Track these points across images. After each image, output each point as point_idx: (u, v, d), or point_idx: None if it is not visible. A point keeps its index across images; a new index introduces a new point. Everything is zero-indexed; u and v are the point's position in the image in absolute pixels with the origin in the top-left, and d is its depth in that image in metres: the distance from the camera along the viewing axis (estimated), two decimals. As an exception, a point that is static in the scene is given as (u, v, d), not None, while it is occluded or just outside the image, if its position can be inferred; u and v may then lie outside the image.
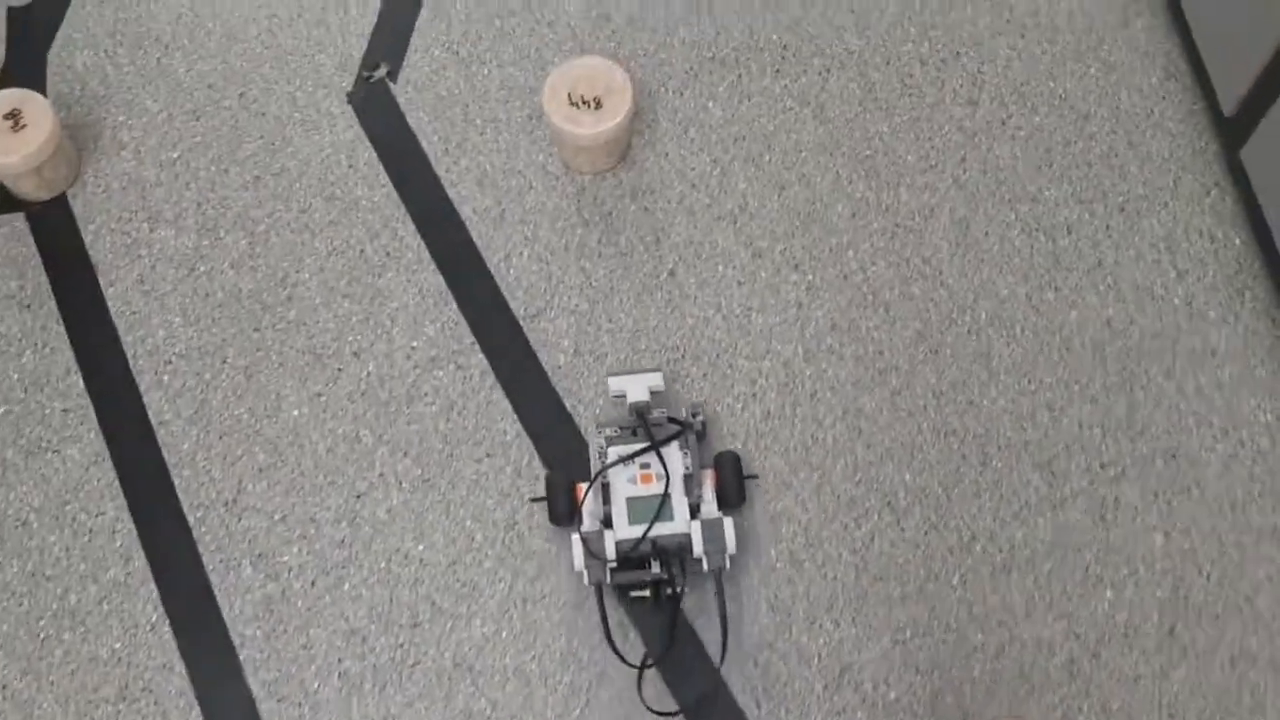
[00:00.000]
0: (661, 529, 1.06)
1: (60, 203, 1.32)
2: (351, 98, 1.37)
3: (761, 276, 1.26)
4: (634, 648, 1.09)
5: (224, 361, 1.24)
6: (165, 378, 1.23)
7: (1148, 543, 1.12)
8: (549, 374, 1.22)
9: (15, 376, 1.23)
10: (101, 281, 1.28)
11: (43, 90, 1.38)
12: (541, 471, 1.17)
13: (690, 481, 1.08)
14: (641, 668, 1.06)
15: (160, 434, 1.20)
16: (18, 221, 1.31)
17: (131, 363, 1.24)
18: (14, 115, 1.26)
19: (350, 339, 1.24)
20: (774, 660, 1.08)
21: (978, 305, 1.23)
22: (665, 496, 1.07)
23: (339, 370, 1.23)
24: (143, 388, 1.23)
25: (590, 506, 1.08)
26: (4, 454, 1.19)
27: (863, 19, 1.39)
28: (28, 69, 1.40)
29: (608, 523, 1.08)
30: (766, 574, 1.12)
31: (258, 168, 1.34)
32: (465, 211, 1.31)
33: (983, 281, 1.24)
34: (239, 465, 1.19)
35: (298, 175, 1.33)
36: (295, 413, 1.21)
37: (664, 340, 1.23)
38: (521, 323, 1.25)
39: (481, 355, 1.23)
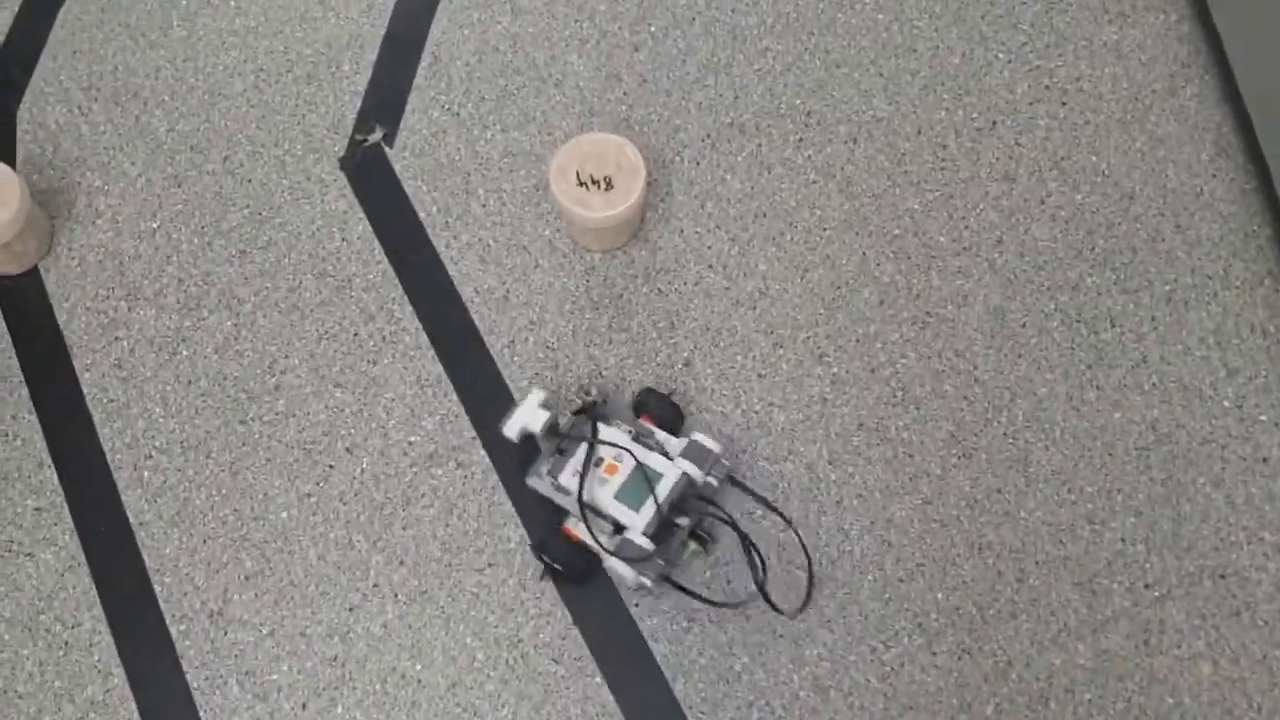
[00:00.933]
0: (663, 489, 1.04)
1: (32, 275, 1.24)
2: (344, 163, 1.28)
3: (783, 369, 1.17)
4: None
5: (208, 457, 1.15)
6: (145, 474, 1.15)
7: (1194, 671, 1.05)
8: (556, 474, 1.14)
9: (-17, 471, 1.15)
10: (77, 365, 1.19)
11: (12, 150, 1.29)
12: (546, 584, 1.09)
13: (639, 437, 1.08)
14: (767, 599, 1.05)
15: (140, 536, 1.12)
16: (-14, 297, 1.23)
17: (109, 457, 1.15)
18: (-19, 188, 1.17)
19: (343, 433, 1.16)
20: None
21: (1014, 405, 1.15)
22: (639, 465, 1.05)
23: (330, 468, 1.15)
24: (121, 485, 1.14)
25: (594, 532, 1.04)
26: (-29, 558, 1.11)
27: (892, 83, 1.30)
28: (-3, 125, 1.31)
29: (619, 529, 1.04)
30: (790, 704, 1.04)
31: (243, 240, 1.25)
32: (466, 292, 1.22)
33: (1019, 378, 1.16)
34: (224, 572, 1.11)
35: (286, 249, 1.24)
36: (284, 514, 1.13)
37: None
38: (526, 416, 1.16)
39: (483, 451, 1.15)
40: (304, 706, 1.06)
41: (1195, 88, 1.29)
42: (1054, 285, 1.20)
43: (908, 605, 1.08)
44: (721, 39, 1.33)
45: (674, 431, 1.11)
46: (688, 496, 1.07)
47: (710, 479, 1.07)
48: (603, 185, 1.17)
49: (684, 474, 1.06)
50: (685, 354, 1.19)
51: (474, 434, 1.16)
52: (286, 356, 1.19)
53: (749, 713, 1.04)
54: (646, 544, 1.03)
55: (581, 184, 1.17)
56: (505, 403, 1.17)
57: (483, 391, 1.17)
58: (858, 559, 1.10)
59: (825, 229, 1.24)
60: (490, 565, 1.10)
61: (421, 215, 1.26)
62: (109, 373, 1.19)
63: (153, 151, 1.29)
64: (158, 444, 1.16)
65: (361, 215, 1.26)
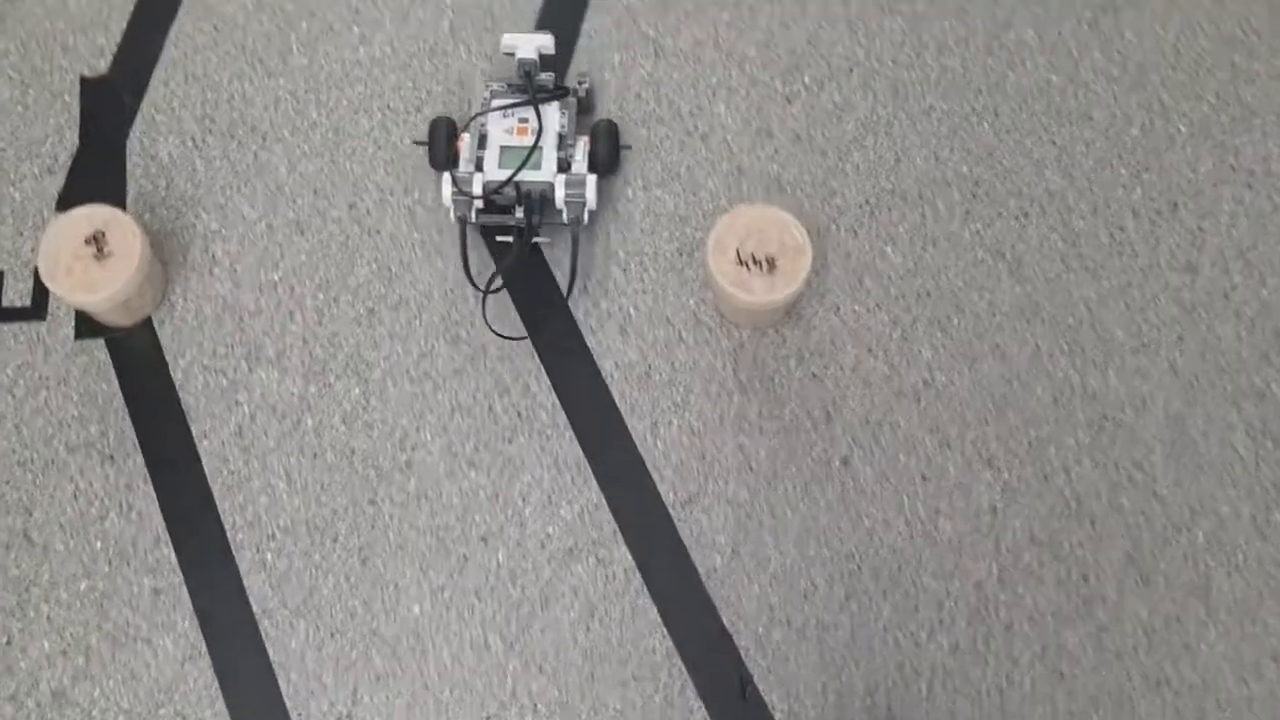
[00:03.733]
0: (528, 175, 1.13)
1: (145, 328, 1.16)
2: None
3: (950, 472, 1.10)
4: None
5: (335, 540, 1.09)
6: (268, 556, 1.08)
7: (1383, 829, 0.99)
8: (703, 577, 1.07)
9: (99, 544, 1.08)
10: (194, 431, 1.12)
11: (122, 185, 1.20)
12: (696, 702, 1.03)
13: (564, 140, 1.15)
14: (487, 291, 1.14)
15: (264, 626, 1.06)
16: (98, 350, 1.15)
17: (230, 536, 1.09)
18: (97, 240, 1.08)
19: (477, 519, 1.09)
20: None
21: (1195, 525, 1.08)
22: (536, 148, 1.13)
23: (465, 558, 1.08)
24: (243, 568, 1.08)
25: (466, 152, 1.15)
26: (88, 640, 1.06)
27: (1066, 153, 1.21)
28: (104, 156, 1.22)
29: (479, 167, 1.14)
30: None
31: (372, 298, 1.17)
32: (606, 366, 1.14)
33: (1201, 495, 1.09)
34: (354, 671, 1.05)
35: (418, 310, 1.16)
36: (416, 609, 1.07)
37: (837, 546, 1.08)
38: (671, 511, 1.10)
39: (625, 549, 1.09)
40: (438, 820, 1.00)
41: (1397, 177, 1.20)
42: (1238, 392, 1.13)
43: (1079, 742, 1.02)
44: (882, 94, 1.24)
45: (598, 168, 1.16)
46: (539, 206, 1.14)
47: (565, 209, 1.14)
48: (764, 266, 1.09)
49: (550, 185, 1.13)
50: (843, 449, 1.11)
51: (615, 527, 1.09)
52: (418, 430, 1.12)
53: None
54: (477, 189, 1.12)
55: (742, 263, 1.09)
56: (648, 493, 1.10)
57: (624, 480, 1.10)
58: (1027, 691, 1.03)
59: (995, 315, 1.16)
60: (635, 679, 1.04)
61: (558, 277, 1.18)
62: (229, 441, 1.12)
63: (273, 194, 1.21)
64: (281, 523, 1.09)
65: (497, 276, 1.18)
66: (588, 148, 1.16)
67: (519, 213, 1.14)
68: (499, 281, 1.16)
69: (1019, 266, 1.17)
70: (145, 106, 1.24)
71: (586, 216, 1.15)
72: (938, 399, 1.13)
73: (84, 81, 1.25)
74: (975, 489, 1.09)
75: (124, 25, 1.27)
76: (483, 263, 1.18)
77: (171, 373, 1.14)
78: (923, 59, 1.25)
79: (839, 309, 1.16)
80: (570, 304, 1.17)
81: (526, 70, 1.17)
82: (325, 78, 1.25)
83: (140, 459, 1.11)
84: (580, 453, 1.12)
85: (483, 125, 1.16)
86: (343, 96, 1.24)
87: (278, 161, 1.22)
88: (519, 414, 1.13)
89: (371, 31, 1.27)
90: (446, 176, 1.13)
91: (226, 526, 1.09)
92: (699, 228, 1.19)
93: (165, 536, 1.09)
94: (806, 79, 1.25)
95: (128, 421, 1.12)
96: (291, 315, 1.16)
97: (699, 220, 1.19)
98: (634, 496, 1.10)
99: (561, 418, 1.13)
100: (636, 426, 1.12)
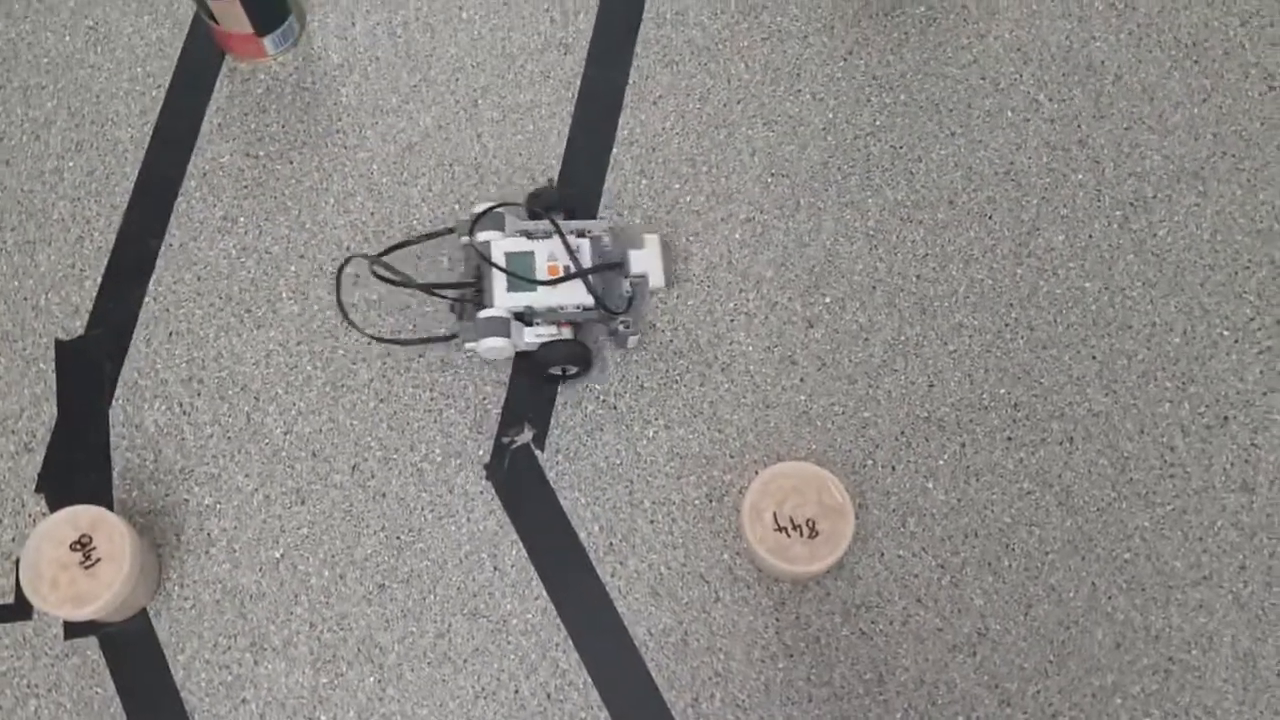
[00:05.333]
0: (497, 276, 1.10)
1: (140, 620, 1.07)
2: (491, 471, 1.12)
3: (1014, 737, 1.03)
4: None
5: None
6: None
7: None
8: None
9: None
10: (199, 736, 1.04)
11: (106, 461, 1.12)
12: None
13: (550, 311, 1.11)
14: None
15: None
16: (90, 650, 1.07)
17: None
18: (84, 545, 1.00)
19: (512, 820, 1.01)
20: None
21: (1280, 780, 1.01)
22: (530, 283, 1.10)
23: None
24: None
25: (528, 224, 1.14)
26: None
27: (1107, 368, 1.15)
28: (85, 428, 1.14)
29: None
30: None
31: (381, 572, 1.09)
32: (639, 633, 1.07)
33: (1283, 746, 1.02)
34: None
35: (431, 583, 1.09)
36: None
37: (902, 830, 1.00)
38: (721, 797, 1.02)
39: (674, 845, 1.01)
40: None
41: None
42: (1310, 622, 1.06)
43: None
44: (908, 313, 1.18)
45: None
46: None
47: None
48: (805, 530, 1.02)
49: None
50: (899, 714, 1.04)
51: (662, 819, 1.01)
52: (440, 719, 1.04)
53: None
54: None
55: (780, 528, 1.02)
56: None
57: (669, 765, 1.03)
58: None
59: (1047, 552, 1.09)
60: None
61: (582, 535, 1.10)
62: (237, 747, 1.03)
63: (269, 459, 1.13)
64: (300, 840, 1.01)
65: (515, 538, 1.10)
66: (553, 338, 1.10)
67: (469, 275, 1.11)
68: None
69: (1067, 496, 1.11)
70: (127, 369, 1.16)
71: (467, 347, 1.10)
72: (994, 651, 1.06)
73: (59, 345, 1.16)
74: (1044, 755, 1.02)
75: (99, 279, 1.19)
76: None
77: (171, 670, 1.06)
78: (948, 271, 1.19)
79: (883, 554, 1.09)
80: (595, 563, 1.09)
81: (617, 263, 1.13)
82: (319, 326, 1.18)
83: (142, 775, 1.02)
84: (618, 735, 1.04)
85: (550, 233, 1.12)
86: (338, 345, 1.17)
87: (272, 424, 1.14)
88: (548, 695, 1.05)
89: (364, 272, 1.20)
90: (491, 205, 1.13)
91: (240, 847, 1.00)
92: (728, 469, 1.12)
93: None
94: (828, 299, 1.18)
95: (126, 731, 1.04)
96: (296, 597, 1.08)
97: (727, 461, 1.12)
98: (679, 783, 1.02)
99: (595, 697, 1.05)
100: (676, 703, 1.05)
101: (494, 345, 1.08)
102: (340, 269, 1.14)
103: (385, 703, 1.05)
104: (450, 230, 1.15)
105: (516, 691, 1.05)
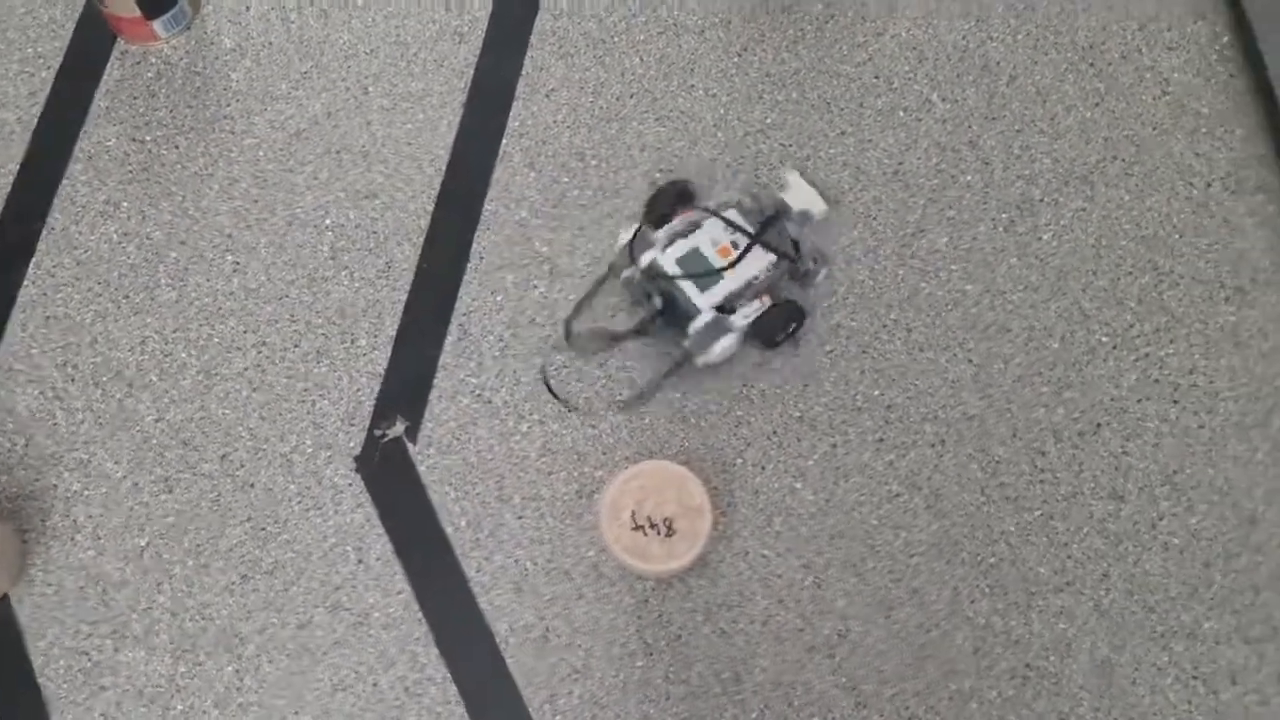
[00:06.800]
0: (684, 285, 1.09)
1: (3, 605, 1.07)
2: (361, 464, 1.12)
3: (866, 739, 1.03)
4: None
5: (208, 845, 1.00)
6: None
7: None
8: None
9: None
10: (54, 723, 1.04)
11: (-22, 444, 1.12)
12: None
13: (749, 288, 1.10)
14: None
15: None
16: (-51, 636, 1.06)
17: (93, 845, 1.00)
18: (-60, 530, 1.00)
19: (363, 813, 1.01)
20: None
21: (1129, 788, 1.01)
22: (716, 273, 1.09)
23: None
24: None
25: (678, 224, 1.12)
26: None
27: (984, 371, 1.15)
28: (-41, 409, 1.13)
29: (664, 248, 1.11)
30: None
31: (245, 563, 1.09)
32: (500, 629, 1.07)
33: (1134, 753, 1.02)
34: None
35: (295, 575, 1.09)
36: None
37: (749, 830, 1.01)
38: (573, 792, 1.02)
39: (525, 841, 1.01)
40: None
41: (1327, 388, 1.14)
42: (1167, 631, 1.06)
43: None
44: (788, 311, 1.17)
45: (761, 335, 1.12)
46: (674, 318, 1.11)
47: (689, 342, 1.10)
48: (662, 530, 1.02)
49: (698, 310, 1.09)
50: (754, 714, 1.04)
51: (512, 815, 1.02)
52: (296, 713, 1.04)
53: None
54: (640, 257, 1.10)
55: (638, 528, 1.02)
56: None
57: (523, 760, 1.03)
58: None
59: (912, 555, 1.09)
60: None
61: (449, 530, 1.10)
62: (92, 734, 1.03)
63: (139, 447, 1.12)
64: (150, 828, 1.01)
65: (381, 531, 1.10)
66: (762, 310, 1.10)
67: (656, 301, 1.10)
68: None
69: (936, 499, 1.11)
70: (1, 353, 1.15)
71: (702, 362, 1.10)
72: (853, 653, 1.06)
73: (-65, 327, 1.16)
74: (895, 758, 1.03)
75: (-22, 262, 1.19)
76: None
77: (31, 657, 1.06)
78: (829, 273, 1.18)
79: (748, 554, 1.09)
80: (460, 557, 1.09)
81: (777, 212, 1.12)
82: (196, 313, 1.17)
83: (-6, 760, 1.03)
84: (474, 729, 1.04)
85: (697, 223, 1.12)
86: (214, 333, 1.17)
87: (145, 410, 1.14)
88: (406, 689, 1.05)
89: (246, 259, 1.19)
90: (632, 230, 1.12)
91: (90, 834, 1.01)
92: (599, 465, 1.12)
93: None
94: (708, 296, 1.18)
95: (-18, 717, 1.04)
96: (159, 586, 1.08)
97: (599, 458, 1.12)
98: (532, 778, 1.02)
99: (452, 691, 1.05)
100: (533, 699, 1.05)
101: (725, 346, 1.09)
102: (544, 371, 1.15)
103: (243, 693, 1.05)
104: (608, 274, 1.16)
105: (375, 685, 1.05)
